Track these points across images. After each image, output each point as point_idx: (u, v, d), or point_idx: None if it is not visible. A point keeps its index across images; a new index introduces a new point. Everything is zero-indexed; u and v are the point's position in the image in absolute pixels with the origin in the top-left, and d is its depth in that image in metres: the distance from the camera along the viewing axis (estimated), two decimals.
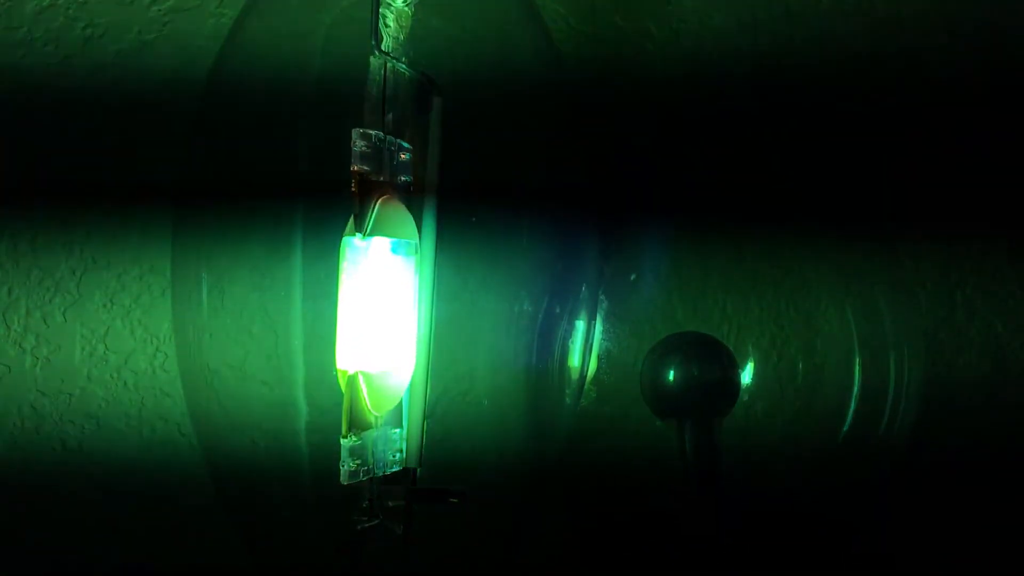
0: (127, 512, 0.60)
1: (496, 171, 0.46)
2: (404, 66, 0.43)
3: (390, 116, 0.43)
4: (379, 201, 0.43)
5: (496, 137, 0.47)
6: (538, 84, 0.48)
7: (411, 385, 0.44)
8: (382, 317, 0.42)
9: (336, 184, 0.43)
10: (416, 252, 0.44)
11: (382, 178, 0.43)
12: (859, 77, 0.66)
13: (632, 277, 0.55)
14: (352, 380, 0.42)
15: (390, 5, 0.43)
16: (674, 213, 0.58)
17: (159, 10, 0.59)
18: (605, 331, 0.51)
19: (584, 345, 0.49)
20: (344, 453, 0.41)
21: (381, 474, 0.43)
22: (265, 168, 0.47)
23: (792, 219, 0.58)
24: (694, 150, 0.62)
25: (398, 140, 0.44)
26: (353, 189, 0.41)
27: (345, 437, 0.41)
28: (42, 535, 0.60)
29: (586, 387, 0.51)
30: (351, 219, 0.42)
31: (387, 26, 0.43)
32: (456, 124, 0.44)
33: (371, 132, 0.42)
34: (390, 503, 0.44)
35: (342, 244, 0.43)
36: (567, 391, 0.49)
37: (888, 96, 0.66)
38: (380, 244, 0.42)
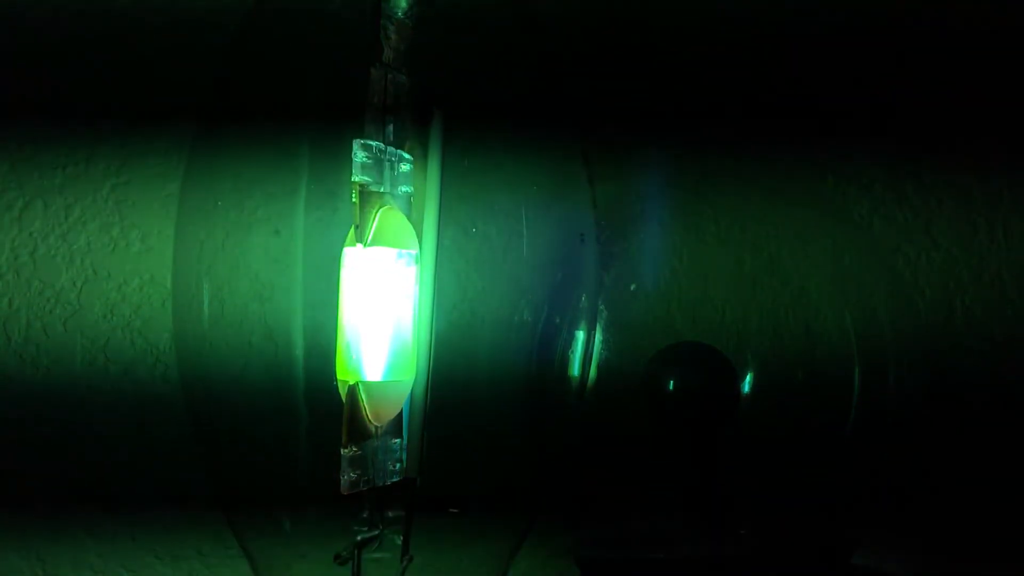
0: (128, 519, 0.60)
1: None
2: (404, 78, 0.43)
3: (390, 127, 0.43)
4: (380, 211, 0.43)
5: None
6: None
7: (411, 395, 0.44)
8: (382, 327, 0.42)
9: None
10: (416, 262, 0.44)
11: (383, 189, 0.43)
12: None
13: (632, 287, 0.55)
14: (352, 390, 0.42)
15: (391, 18, 0.43)
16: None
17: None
18: (605, 341, 0.51)
19: (584, 355, 0.49)
20: (344, 463, 0.41)
21: (381, 484, 0.43)
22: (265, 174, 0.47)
23: (792, 222, 0.58)
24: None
25: (399, 151, 0.44)
26: (354, 200, 0.41)
27: (345, 447, 0.41)
28: (45, 545, 0.60)
29: (585, 397, 0.51)
30: (352, 229, 0.42)
31: (388, 38, 0.43)
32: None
33: (372, 143, 0.42)
34: (390, 513, 0.44)
35: (342, 254, 0.43)
36: (567, 401, 0.49)
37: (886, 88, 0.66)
38: (381, 254, 0.43)
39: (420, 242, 0.44)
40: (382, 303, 0.42)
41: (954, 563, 0.66)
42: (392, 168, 0.43)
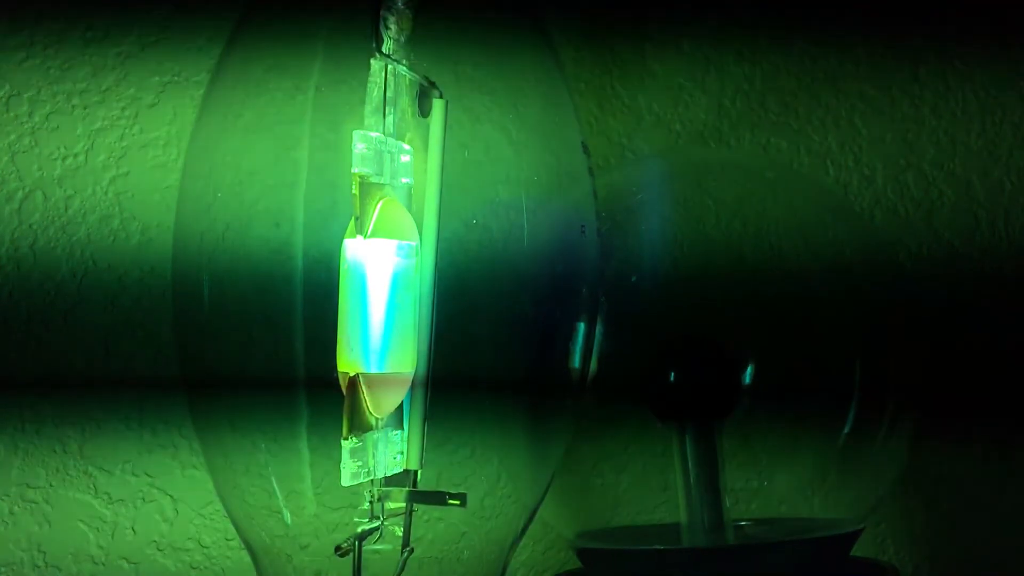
0: (129, 511, 0.61)
1: None
2: (405, 68, 0.43)
3: (391, 118, 0.43)
4: (380, 203, 0.43)
5: None
6: None
7: (412, 387, 0.44)
8: (383, 319, 0.42)
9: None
10: (417, 254, 0.44)
11: (383, 180, 0.43)
12: None
13: (633, 279, 0.55)
14: (353, 382, 0.42)
15: (391, 7, 0.43)
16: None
17: None
18: (605, 333, 0.51)
19: (584, 347, 0.49)
20: (345, 455, 0.41)
21: (382, 476, 0.43)
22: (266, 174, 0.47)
23: (793, 214, 0.58)
24: None
25: (399, 142, 0.44)
26: (354, 191, 0.41)
27: (346, 439, 0.41)
28: (45, 537, 0.60)
29: (586, 388, 0.51)
30: (352, 221, 0.42)
31: (388, 28, 0.43)
32: None
33: (372, 134, 0.42)
34: (391, 504, 0.44)
35: (342, 246, 0.43)
36: (567, 393, 0.49)
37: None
38: (381, 246, 0.42)
39: (420, 233, 0.44)
40: (382, 294, 0.42)
41: (955, 556, 0.66)
42: (392, 159, 0.43)
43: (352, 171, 0.41)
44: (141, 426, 0.60)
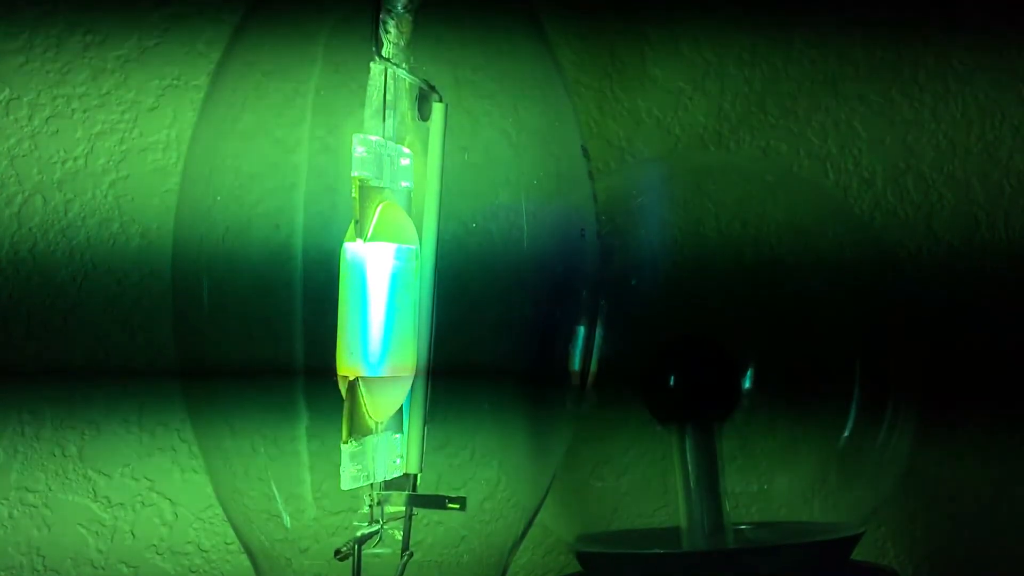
0: (128, 515, 0.61)
1: None
2: (405, 72, 0.43)
3: (390, 122, 0.43)
4: (380, 207, 0.43)
5: None
6: None
7: (411, 391, 0.44)
8: (382, 323, 0.42)
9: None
10: (416, 257, 0.44)
11: (383, 184, 0.43)
12: None
13: (633, 281, 0.55)
14: (353, 386, 0.42)
15: (390, 11, 0.43)
16: None
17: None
18: (605, 335, 0.51)
19: (584, 349, 0.49)
20: (345, 458, 0.41)
21: (382, 480, 0.43)
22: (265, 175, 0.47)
23: (792, 216, 0.58)
24: None
25: (399, 146, 0.44)
26: (354, 195, 0.41)
27: (346, 442, 0.41)
28: (44, 541, 0.60)
29: (586, 391, 0.51)
30: (352, 224, 0.42)
31: (387, 32, 0.43)
32: None
33: (371, 138, 0.42)
34: (390, 508, 0.44)
35: (342, 250, 0.43)
36: (567, 395, 0.49)
37: None
38: (381, 250, 0.42)
39: (420, 237, 0.44)
40: (382, 298, 0.42)
41: (956, 558, 0.66)
42: (392, 163, 0.43)
43: (352, 175, 0.41)
44: (141, 429, 0.60)
